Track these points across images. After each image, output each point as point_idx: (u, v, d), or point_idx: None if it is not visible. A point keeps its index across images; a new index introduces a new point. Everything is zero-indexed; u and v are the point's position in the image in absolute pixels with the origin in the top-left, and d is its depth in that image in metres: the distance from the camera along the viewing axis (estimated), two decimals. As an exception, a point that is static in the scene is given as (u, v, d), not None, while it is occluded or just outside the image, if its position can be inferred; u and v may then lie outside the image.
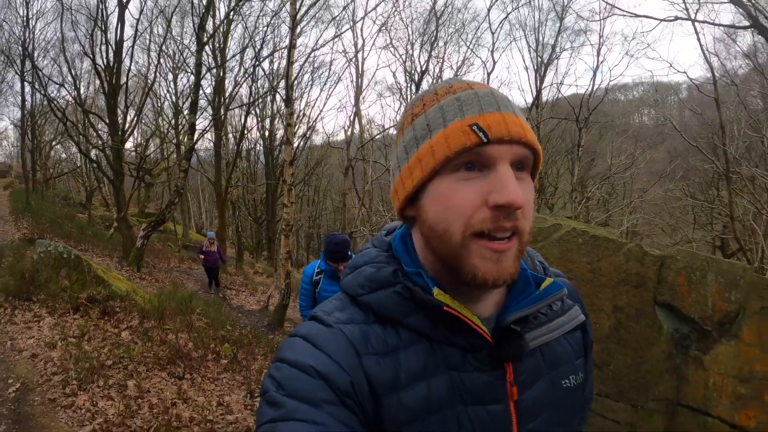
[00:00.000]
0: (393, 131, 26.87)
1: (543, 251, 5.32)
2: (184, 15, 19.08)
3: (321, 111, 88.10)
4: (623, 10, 12.68)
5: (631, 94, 50.82)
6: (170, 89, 28.13)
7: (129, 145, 19.83)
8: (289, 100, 10.97)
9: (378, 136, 25.16)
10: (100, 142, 16.70)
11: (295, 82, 21.53)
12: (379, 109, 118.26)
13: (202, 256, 14.40)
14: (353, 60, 24.26)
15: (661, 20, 12.16)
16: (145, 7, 16.42)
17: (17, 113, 29.50)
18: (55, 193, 34.36)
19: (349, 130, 22.87)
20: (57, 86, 18.03)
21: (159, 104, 29.66)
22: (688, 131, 19.84)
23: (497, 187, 0.83)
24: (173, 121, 26.88)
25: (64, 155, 37.09)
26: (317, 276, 5.23)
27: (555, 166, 28.40)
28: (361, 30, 24.73)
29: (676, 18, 12.34)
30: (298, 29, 12.29)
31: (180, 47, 21.41)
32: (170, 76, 27.30)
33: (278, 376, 0.85)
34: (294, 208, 14.65)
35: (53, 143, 32.64)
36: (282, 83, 20.18)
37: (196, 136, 14.91)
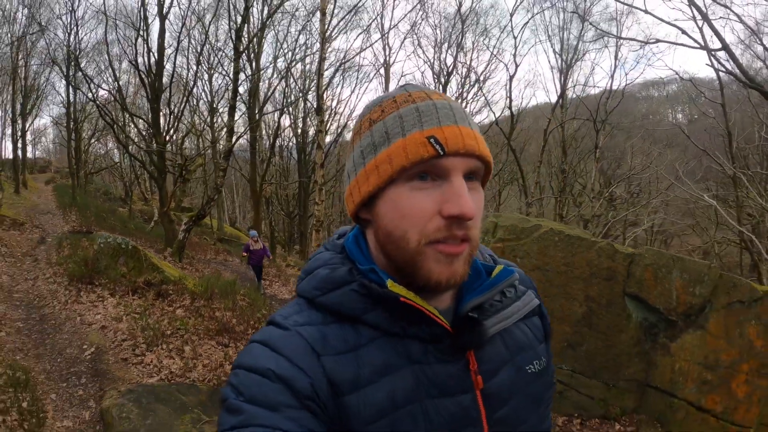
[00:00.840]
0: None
1: (525, 248, 6.42)
2: (218, 17, 20.23)
3: (352, 111, 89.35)
4: (636, 7, 13.54)
5: (664, 90, 50.57)
6: (206, 89, 29.29)
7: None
8: (319, 109, 12.14)
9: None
10: (143, 143, 18.12)
11: (326, 81, 22.71)
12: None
13: (245, 254, 14.61)
14: (382, 67, 25.39)
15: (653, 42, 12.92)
16: (185, 17, 17.38)
17: (55, 111, 31.02)
18: (95, 188, 35.99)
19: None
20: (98, 87, 19.33)
21: (195, 103, 30.96)
22: (714, 130, 20.49)
23: (451, 197, 0.85)
24: (209, 119, 28.12)
25: (101, 151, 38.74)
26: None
27: (583, 163, 28.82)
28: (388, 40, 25.58)
29: (664, 43, 13.12)
30: (327, 43, 13.39)
31: (216, 51, 22.68)
32: (205, 76, 28.41)
33: (236, 382, 0.86)
34: (324, 205, 15.83)
35: (91, 140, 33.96)
36: (313, 87, 21.51)
37: (234, 138, 16.21)
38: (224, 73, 22.63)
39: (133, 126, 19.39)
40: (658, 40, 12.79)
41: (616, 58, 23.04)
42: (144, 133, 19.03)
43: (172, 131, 18.02)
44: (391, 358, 0.91)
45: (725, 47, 9.29)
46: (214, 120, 27.51)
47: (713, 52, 10.09)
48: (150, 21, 17.00)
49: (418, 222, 0.87)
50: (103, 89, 18.21)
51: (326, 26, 11.99)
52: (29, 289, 9.52)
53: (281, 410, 0.81)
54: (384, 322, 0.93)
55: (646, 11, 11.51)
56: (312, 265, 1.03)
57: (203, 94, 29.65)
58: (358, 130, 0.98)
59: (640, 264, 6.21)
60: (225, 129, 17.37)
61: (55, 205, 23.64)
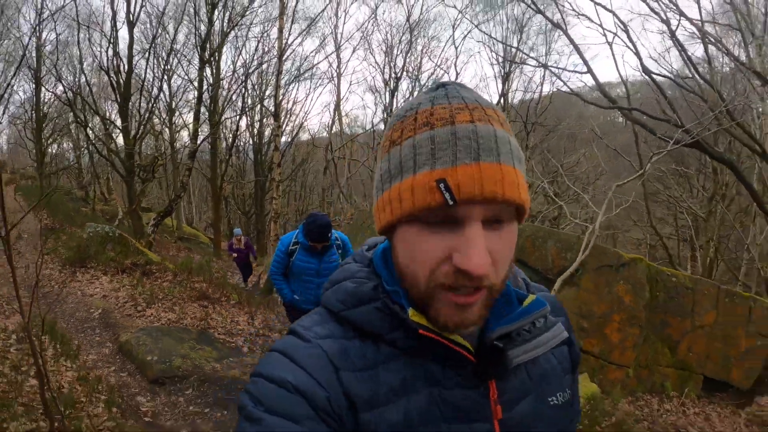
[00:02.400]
0: (378, 129, 30.27)
1: None
2: (182, 25, 21.87)
3: (307, 113, 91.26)
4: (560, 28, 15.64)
5: (615, 92, 53.51)
6: (164, 89, 30.48)
7: (121, 141, 22.82)
8: (277, 115, 14.25)
9: (359, 136, 28.55)
10: (113, 144, 19.97)
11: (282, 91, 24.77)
12: (361, 106, 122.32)
13: (235, 255, 14.77)
14: (335, 77, 27.55)
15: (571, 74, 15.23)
16: (156, 27, 19.22)
17: (12, 110, 31.73)
18: (56, 188, 37.02)
19: (332, 131, 26.07)
20: (69, 90, 20.87)
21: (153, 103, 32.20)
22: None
23: (462, 249, 0.81)
24: (167, 119, 29.33)
25: (55, 152, 39.62)
26: (293, 246, 5.53)
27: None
28: (339, 53, 27.81)
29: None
30: (284, 55, 15.48)
31: (177, 54, 24.33)
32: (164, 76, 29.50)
33: (256, 391, 0.87)
34: (282, 202, 17.88)
35: (49, 141, 34.73)
36: (269, 91, 23.56)
37: (198, 141, 18.20)
38: (184, 76, 24.55)
39: (99, 128, 21.18)
40: (546, 66, 14.98)
41: (545, 67, 25.60)
42: (112, 134, 20.92)
43: (140, 133, 19.87)
44: (409, 379, 0.91)
45: (589, 70, 11.65)
46: (173, 120, 29.07)
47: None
48: (119, 27, 18.61)
49: (427, 265, 0.85)
50: (73, 92, 19.73)
51: (283, 42, 14.13)
52: (24, 275, 11.29)
53: (300, 422, 0.83)
54: (405, 342, 0.92)
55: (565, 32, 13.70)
56: (338, 275, 1.03)
57: (162, 94, 30.99)
58: (382, 146, 0.93)
59: (522, 236, 8.47)
60: (186, 130, 19.29)
61: (22, 206, 24.96)
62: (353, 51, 54.12)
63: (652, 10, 11.18)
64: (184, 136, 32.10)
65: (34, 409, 4.64)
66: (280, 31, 14.09)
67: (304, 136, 36.00)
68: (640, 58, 11.89)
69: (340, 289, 0.99)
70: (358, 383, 0.89)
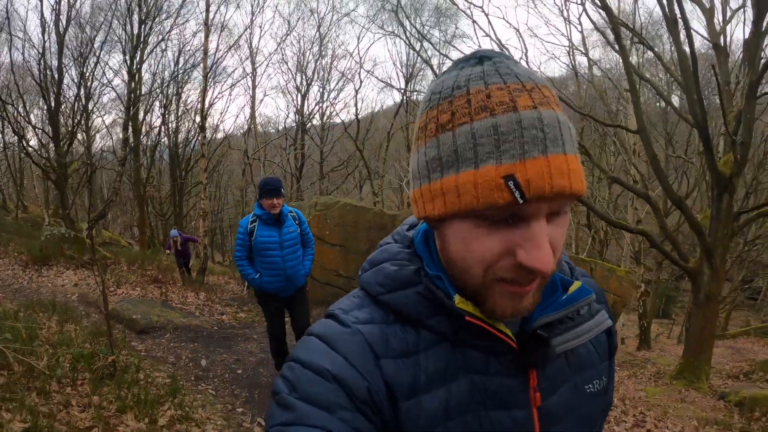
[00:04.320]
0: (290, 129, 33.32)
1: (331, 213, 12.11)
2: (105, 35, 24.12)
3: (223, 114, 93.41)
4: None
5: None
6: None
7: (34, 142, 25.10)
8: (203, 127, 17.03)
9: (273, 140, 31.60)
10: (44, 153, 22.33)
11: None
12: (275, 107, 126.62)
13: (169, 251, 16.63)
14: (249, 89, 30.54)
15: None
16: (81, 41, 21.52)
17: None
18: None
19: (247, 135, 28.94)
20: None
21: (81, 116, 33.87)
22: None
23: (526, 246, 0.80)
24: (83, 122, 31.36)
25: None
26: (252, 224, 5.83)
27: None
28: (254, 65, 30.82)
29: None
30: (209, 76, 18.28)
31: (101, 64, 26.44)
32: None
33: (291, 377, 0.88)
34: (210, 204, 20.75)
35: None
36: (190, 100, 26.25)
37: (128, 148, 20.87)
38: (103, 80, 26.84)
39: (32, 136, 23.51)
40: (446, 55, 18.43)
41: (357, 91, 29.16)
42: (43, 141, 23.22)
43: (69, 141, 22.25)
44: (449, 366, 0.92)
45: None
46: (89, 125, 30.91)
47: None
48: (47, 40, 20.83)
49: (485, 261, 0.84)
50: (6, 102, 21.79)
51: (207, 66, 17.07)
52: None
53: (334, 411, 0.83)
54: (447, 329, 0.92)
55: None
56: (378, 256, 1.03)
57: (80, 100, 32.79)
58: (425, 128, 0.87)
59: (399, 219, 11.89)
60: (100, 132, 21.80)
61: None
62: (268, 58, 57.03)
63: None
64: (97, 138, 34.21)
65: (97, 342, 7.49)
66: (205, 52, 16.93)
67: (219, 135, 38.18)
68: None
69: (381, 271, 0.99)
70: (398, 371, 0.90)
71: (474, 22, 29.64)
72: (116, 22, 22.00)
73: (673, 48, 14.18)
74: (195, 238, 17.62)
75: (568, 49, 26.23)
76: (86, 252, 14.37)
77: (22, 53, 22.66)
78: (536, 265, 0.79)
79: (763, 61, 10.90)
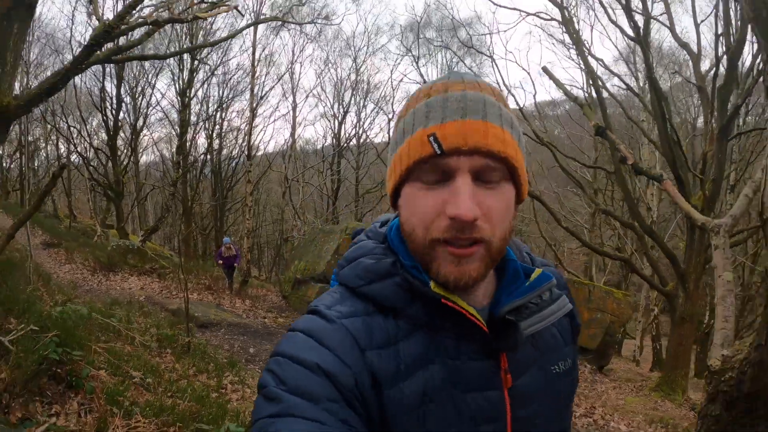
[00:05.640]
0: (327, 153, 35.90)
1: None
2: (159, 71, 27.29)
3: (263, 134, 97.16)
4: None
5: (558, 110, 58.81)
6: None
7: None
8: (249, 156, 19.85)
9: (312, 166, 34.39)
10: (104, 171, 25.36)
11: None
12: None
13: (220, 262, 17.29)
14: (290, 118, 33.45)
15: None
16: (136, 71, 24.66)
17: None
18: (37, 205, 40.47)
19: (287, 157, 31.62)
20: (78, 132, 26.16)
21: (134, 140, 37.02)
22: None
23: (451, 198, 0.90)
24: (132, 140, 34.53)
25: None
26: None
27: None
28: (295, 98, 33.97)
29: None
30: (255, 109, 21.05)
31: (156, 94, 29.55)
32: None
33: (279, 371, 0.92)
34: (252, 222, 23.41)
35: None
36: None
37: (180, 171, 23.73)
38: (156, 104, 29.97)
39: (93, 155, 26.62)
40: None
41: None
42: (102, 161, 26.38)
43: (127, 163, 25.30)
44: (426, 352, 0.99)
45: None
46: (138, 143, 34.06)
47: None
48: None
49: (424, 220, 0.94)
50: (76, 128, 24.87)
51: (254, 106, 19.83)
52: (64, 275, 16.00)
53: (322, 402, 0.87)
54: (423, 316, 1.00)
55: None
56: (354, 253, 1.11)
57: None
58: (405, 110, 1.04)
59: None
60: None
61: (9, 223, 29.51)
62: (307, 96, 60.96)
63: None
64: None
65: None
66: (252, 90, 19.71)
67: (259, 153, 40.35)
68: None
69: (359, 265, 1.06)
70: (383, 361, 0.96)
71: (493, 61, 32.04)
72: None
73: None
74: (239, 256, 18.60)
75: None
76: (147, 261, 17.03)
77: (80, 79, 25.30)
78: (458, 212, 0.88)
79: (730, 107, 12.58)
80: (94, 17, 17.98)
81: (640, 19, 13.51)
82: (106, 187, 23.77)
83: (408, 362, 0.98)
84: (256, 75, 19.66)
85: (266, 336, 11.81)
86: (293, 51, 44.84)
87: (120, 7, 17.45)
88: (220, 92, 31.55)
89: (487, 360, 1.03)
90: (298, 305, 15.50)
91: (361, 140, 37.21)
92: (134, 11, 6.42)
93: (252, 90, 19.60)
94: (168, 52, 16.54)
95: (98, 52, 6.35)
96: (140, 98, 26.57)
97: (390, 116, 34.68)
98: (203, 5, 8.94)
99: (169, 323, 9.89)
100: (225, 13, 11.27)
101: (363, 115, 36.97)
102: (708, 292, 17.89)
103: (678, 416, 10.88)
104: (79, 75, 24.33)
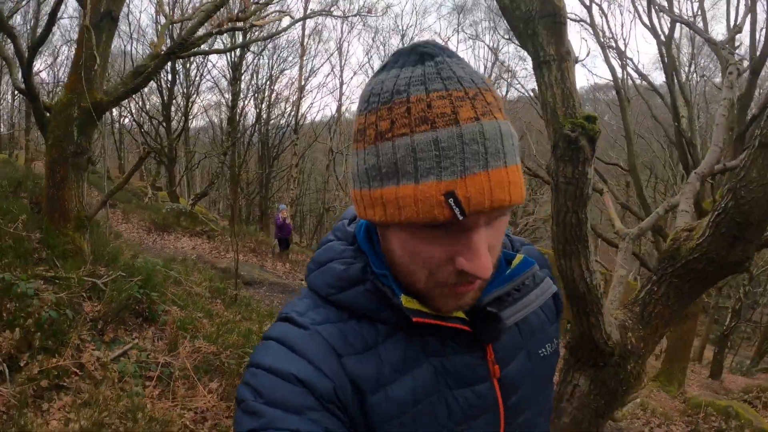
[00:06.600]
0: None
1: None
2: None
3: (310, 106, 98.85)
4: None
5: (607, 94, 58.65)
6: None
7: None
8: (296, 129, 21.64)
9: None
10: (159, 139, 27.39)
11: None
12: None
13: (278, 231, 18.37)
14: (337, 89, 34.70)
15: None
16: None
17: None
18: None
19: (333, 133, 33.23)
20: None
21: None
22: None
23: (467, 254, 0.85)
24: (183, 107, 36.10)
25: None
26: None
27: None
28: (341, 80, 35.67)
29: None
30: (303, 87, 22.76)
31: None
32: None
33: (255, 383, 0.91)
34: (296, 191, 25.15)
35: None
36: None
37: (231, 142, 25.62)
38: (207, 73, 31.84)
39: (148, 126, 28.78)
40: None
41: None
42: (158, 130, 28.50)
43: (180, 133, 27.30)
44: (409, 354, 0.97)
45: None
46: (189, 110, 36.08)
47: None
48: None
49: (428, 267, 0.89)
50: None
51: (302, 80, 21.49)
52: (124, 234, 17.62)
53: (304, 413, 0.87)
54: (399, 320, 0.97)
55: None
56: (323, 256, 1.07)
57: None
58: (363, 132, 0.89)
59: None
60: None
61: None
62: (354, 74, 62.55)
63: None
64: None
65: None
66: (301, 67, 21.43)
67: (306, 122, 41.55)
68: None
69: (328, 271, 1.03)
70: (361, 367, 0.94)
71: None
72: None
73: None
74: (290, 229, 19.47)
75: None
76: (199, 224, 18.88)
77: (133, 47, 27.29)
78: (476, 272, 0.84)
79: (751, 112, 13.04)
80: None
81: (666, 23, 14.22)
82: (159, 153, 25.62)
83: (391, 366, 0.96)
84: (305, 52, 21.14)
85: (303, 295, 13.59)
86: (341, 29, 46.17)
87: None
88: (270, 64, 33.24)
89: (473, 354, 1.03)
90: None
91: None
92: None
93: (301, 67, 21.26)
94: (226, 47, 17.96)
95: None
96: (193, 69, 28.50)
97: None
98: (257, 6, 10.44)
99: (219, 279, 11.57)
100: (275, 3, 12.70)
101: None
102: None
103: (671, 407, 12.03)
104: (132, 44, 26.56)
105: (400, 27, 37.38)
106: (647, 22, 14.92)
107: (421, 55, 0.87)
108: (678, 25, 14.18)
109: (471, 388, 1.01)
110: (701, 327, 31.97)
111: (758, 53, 12.68)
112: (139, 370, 5.68)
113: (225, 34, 10.76)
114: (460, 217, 0.79)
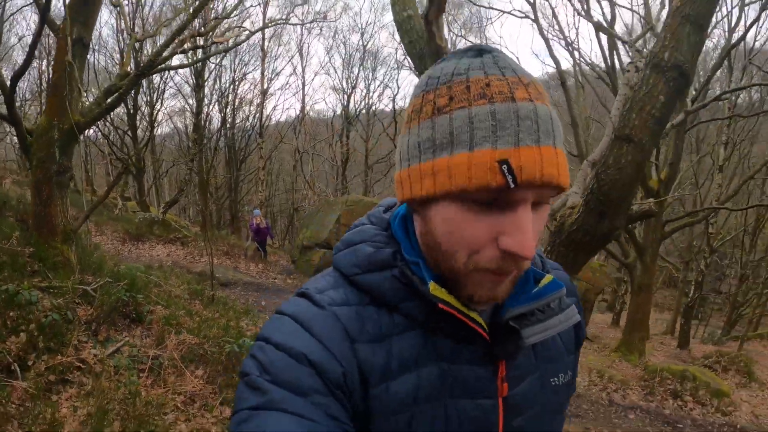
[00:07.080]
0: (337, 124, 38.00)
1: (356, 211, 17.01)
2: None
3: (275, 108, 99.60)
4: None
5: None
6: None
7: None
8: (261, 134, 22.36)
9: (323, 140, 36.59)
10: (126, 149, 27.94)
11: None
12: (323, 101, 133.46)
13: (253, 230, 19.32)
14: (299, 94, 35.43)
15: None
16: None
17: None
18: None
19: (297, 132, 33.96)
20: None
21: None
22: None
23: (512, 231, 0.83)
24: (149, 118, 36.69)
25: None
26: None
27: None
28: (304, 78, 36.35)
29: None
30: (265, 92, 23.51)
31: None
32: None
33: (263, 358, 0.89)
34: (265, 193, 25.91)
35: None
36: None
37: (197, 148, 26.28)
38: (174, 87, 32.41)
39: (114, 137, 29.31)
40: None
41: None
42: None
43: (146, 143, 27.89)
44: (420, 353, 0.95)
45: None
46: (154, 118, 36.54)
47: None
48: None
49: (470, 247, 0.86)
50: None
51: (264, 84, 22.23)
52: (99, 245, 18.74)
53: (309, 395, 0.85)
54: (419, 314, 0.95)
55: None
56: (354, 237, 1.05)
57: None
58: (419, 110, 0.90)
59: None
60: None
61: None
62: (315, 75, 63.39)
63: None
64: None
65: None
66: (262, 74, 22.14)
67: (271, 123, 42.32)
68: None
69: (357, 251, 1.01)
70: (372, 356, 0.92)
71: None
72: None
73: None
74: (271, 234, 20.47)
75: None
76: (170, 231, 19.57)
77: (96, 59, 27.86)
78: (519, 250, 0.82)
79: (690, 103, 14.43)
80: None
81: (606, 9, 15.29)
82: (127, 163, 26.18)
83: (399, 361, 0.94)
84: (266, 56, 21.89)
85: (276, 293, 14.46)
86: (301, 32, 46.90)
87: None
88: (233, 68, 33.84)
89: (485, 366, 1.00)
90: (305, 268, 17.94)
91: (370, 111, 38.88)
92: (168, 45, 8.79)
93: (263, 71, 21.98)
94: (188, 61, 18.53)
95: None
96: (156, 77, 29.00)
97: (395, 91, 36.52)
98: (217, 21, 11.20)
99: (196, 281, 12.35)
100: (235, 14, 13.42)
101: (371, 87, 38.73)
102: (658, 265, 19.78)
103: (630, 375, 12.95)
104: (94, 56, 27.10)
105: (359, 25, 37.94)
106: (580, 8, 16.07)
107: (480, 50, 0.91)
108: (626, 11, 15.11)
109: (474, 401, 0.99)
110: (672, 301, 33.31)
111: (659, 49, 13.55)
112: (132, 363, 6.40)
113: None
114: (512, 185, 0.80)
